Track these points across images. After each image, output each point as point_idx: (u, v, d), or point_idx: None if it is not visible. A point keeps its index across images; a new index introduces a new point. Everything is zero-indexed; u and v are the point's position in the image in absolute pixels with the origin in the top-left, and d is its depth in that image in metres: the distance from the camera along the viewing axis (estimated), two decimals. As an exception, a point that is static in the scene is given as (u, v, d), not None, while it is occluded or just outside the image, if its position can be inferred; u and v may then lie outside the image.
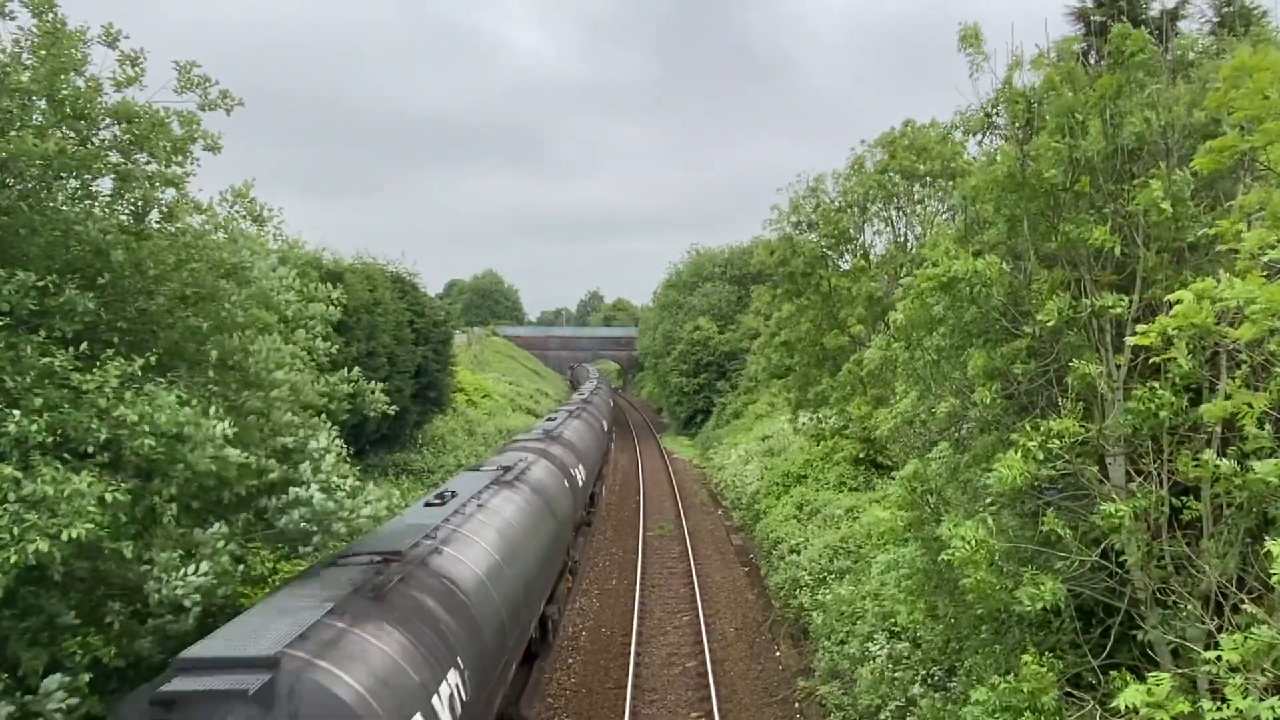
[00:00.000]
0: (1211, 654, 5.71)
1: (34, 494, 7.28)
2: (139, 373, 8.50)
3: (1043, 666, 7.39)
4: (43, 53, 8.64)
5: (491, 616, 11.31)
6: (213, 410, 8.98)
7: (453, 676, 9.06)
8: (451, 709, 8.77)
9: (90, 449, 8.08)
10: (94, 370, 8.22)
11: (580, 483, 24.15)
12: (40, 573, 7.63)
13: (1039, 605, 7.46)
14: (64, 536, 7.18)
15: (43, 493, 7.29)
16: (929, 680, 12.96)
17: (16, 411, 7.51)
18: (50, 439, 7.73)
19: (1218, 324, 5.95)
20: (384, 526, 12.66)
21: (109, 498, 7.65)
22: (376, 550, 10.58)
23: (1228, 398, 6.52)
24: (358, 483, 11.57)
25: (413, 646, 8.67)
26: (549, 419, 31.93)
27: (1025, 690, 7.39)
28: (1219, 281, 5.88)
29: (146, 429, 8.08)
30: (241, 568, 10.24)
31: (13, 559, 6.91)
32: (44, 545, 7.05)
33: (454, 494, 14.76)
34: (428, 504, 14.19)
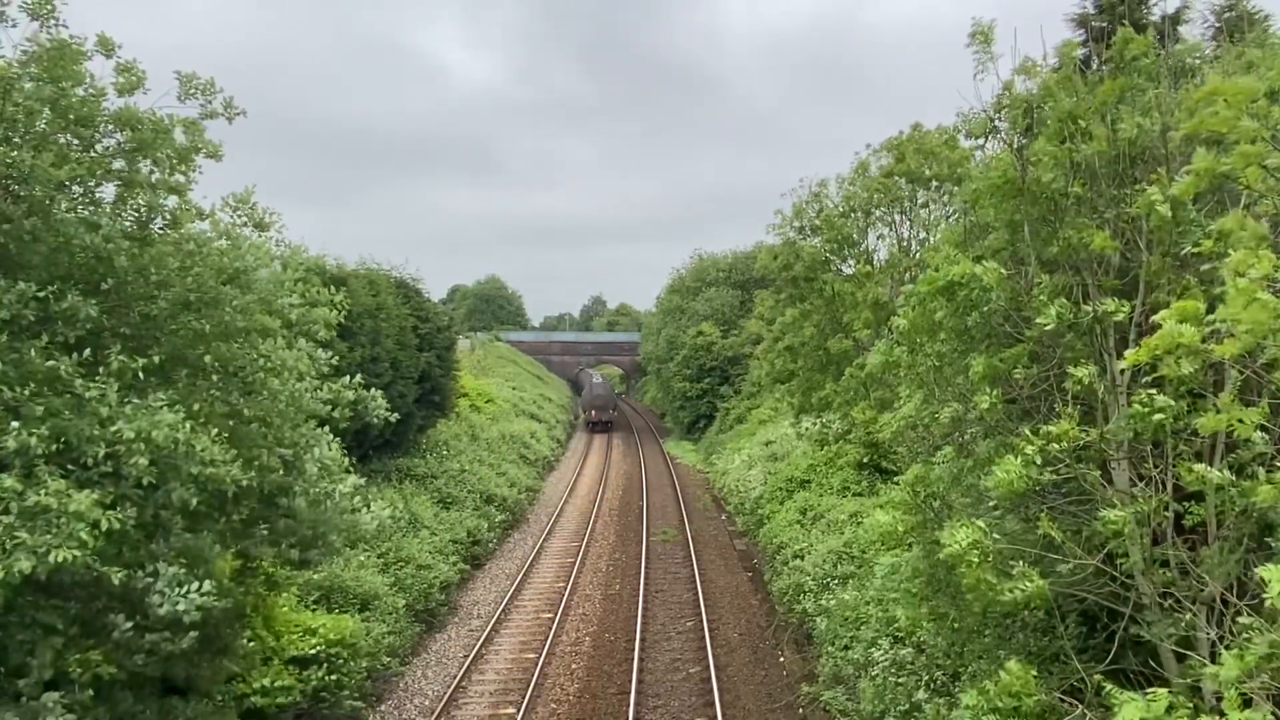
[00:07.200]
0: (1212, 669, 5.69)
1: (36, 505, 7.25)
2: (140, 375, 8.45)
3: (1033, 669, 7.39)
4: (46, 62, 8.66)
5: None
6: (213, 433, 8.89)
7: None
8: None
9: (90, 461, 8.00)
10: (97, 376, 8.19)
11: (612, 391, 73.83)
12: (39, 582, 7.58)
13: (1018, 596, 7.46)
14: (51, 558, 7.15)
15: (45, 505, 7.26)
16: (933, 686, 12.92)
17: (16, 423, 7.47)
18: (52, 448, 7.67)
19: (1204, 342, 5.94)
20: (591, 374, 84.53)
21: (105, 524, 7.57)
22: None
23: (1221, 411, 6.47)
24: (355, 487, 11.58)
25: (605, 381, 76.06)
26: (590, 380, 72.55)
27: (1013, 693, 7.38)
28: (1220, 291, 5.86)
29: (142, 447, 7.99)
30: (247, 583, 10.22)
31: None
32: (26, 565, 7.07)
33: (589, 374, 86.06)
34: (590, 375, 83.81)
